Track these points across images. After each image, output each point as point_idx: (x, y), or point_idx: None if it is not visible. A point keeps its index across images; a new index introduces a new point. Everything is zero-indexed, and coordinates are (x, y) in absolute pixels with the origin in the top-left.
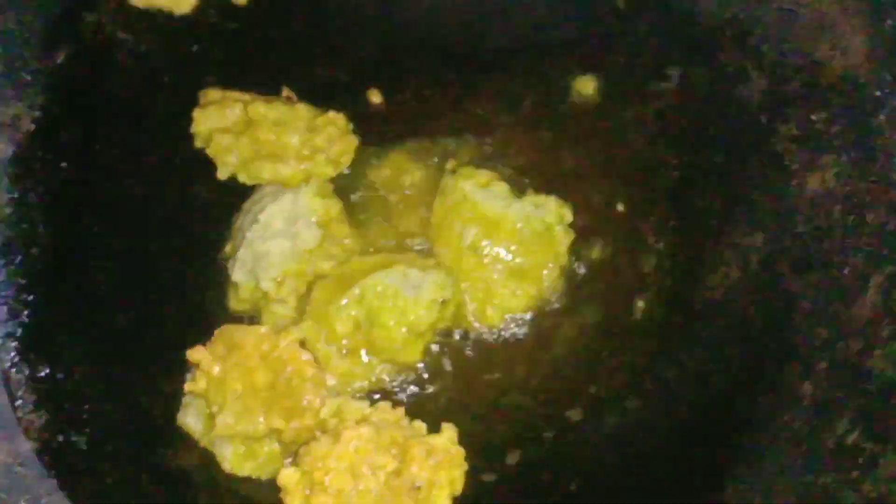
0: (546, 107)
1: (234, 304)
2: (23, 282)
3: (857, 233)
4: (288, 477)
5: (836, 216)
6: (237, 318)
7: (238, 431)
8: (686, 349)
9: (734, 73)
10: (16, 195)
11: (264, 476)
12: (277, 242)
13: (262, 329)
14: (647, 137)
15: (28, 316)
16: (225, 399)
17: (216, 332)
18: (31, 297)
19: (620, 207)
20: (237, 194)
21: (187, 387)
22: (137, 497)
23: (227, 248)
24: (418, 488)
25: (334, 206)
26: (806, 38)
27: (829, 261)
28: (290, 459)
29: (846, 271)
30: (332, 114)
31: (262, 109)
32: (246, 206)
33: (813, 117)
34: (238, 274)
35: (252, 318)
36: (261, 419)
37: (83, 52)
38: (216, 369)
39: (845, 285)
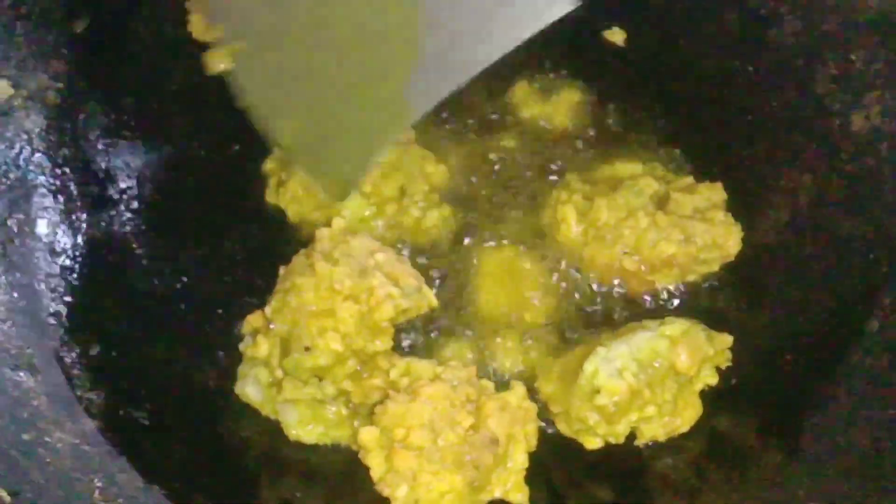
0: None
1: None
2: (63, 261)
3: None
4: (368, 434)
5: (884, 153)
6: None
7: (305, 394)
8: (742, 295)
9: (766, 15)
10: (49, 168)
11: (330, 441)
12: None
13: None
14: (685, 86)
15: (71, 295)
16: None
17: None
18: (72, 276)
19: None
20: None
21: (249, 352)
22: (204, 470)
23: None
24: (496, 443)
25: None
26: None
27: (881, 197)
28: (357, 423)
29: None
30: None
31: None
32: None
33: (851, 56)
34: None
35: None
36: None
37: (102, 20)
38: (282, 328)
39: None
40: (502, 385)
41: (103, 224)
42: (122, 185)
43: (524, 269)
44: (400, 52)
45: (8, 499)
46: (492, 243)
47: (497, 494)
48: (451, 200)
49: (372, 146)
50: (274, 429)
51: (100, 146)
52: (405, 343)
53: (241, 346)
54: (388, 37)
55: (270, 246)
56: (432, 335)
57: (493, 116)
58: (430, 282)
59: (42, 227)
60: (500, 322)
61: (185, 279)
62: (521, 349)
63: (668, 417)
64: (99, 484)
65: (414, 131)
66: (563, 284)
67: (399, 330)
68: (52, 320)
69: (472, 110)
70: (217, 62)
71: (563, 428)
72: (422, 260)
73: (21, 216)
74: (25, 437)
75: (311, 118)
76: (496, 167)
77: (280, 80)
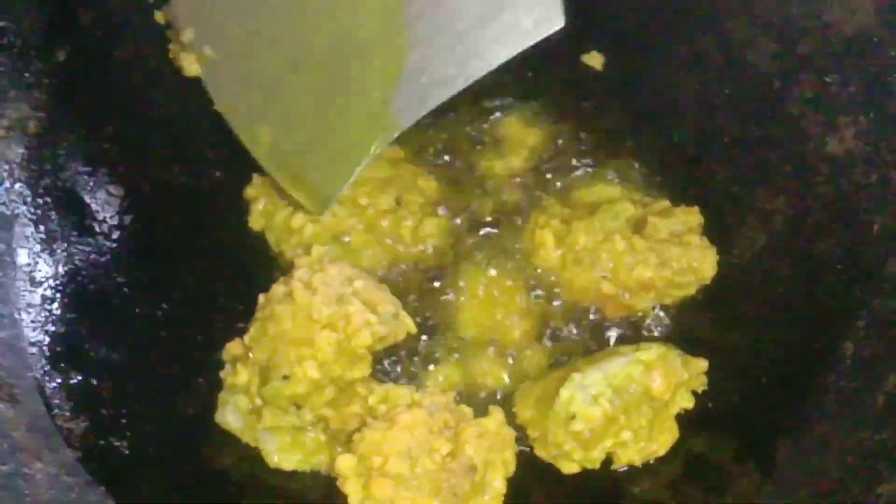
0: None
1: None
2: (44, 291)
3: (883, 191)
4: (345, 462)
5: (858, 176)
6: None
7: (285, 422)
8: (719, 318)
9: (743, 39)
10: (30, 197)
11: (310, 468)
12: None
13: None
14: (662, 110)
15: (52, 325)
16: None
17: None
18: (53, 306)
19: (639, 178)
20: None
21: (229, 379)
22: (184, 499)
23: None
24: (474, 470)
25: None
26: (813, 1)
27: (857, 220)
28: (337, 449)
29: (875, 229)
30: None
31: None
32: None
33: (827, 79)
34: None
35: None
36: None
37: (83, 49)
38: (261, 357)
39: (875, 243)
40: (481, 410)
41: (84, 253)
42: (104, 215)
43: (504, 292)
44: (385, 64)
45: None
46: (472, 267)
47: None
48: None
49: (354, 158)
50: (254, 456)
51: (81, 175)
52: (386, 368)
53: (222, 374)
54: (374, 49)
55: (251, 273)
56: (412, 360)
57: (472, 138)
58: (410, 305)
59: (23, 258)
60: (480, 346)
61: (165, 307)
62: (499, 374)
63: (644, 442)
64: None
65: (402, 151)
66: (542, 309)
67: (380, 354)
68: (32, 350)
69: (451, 135)
70: (191, 65)
71: (541, 453)
72: (400, 280)
73: (1, 246)
74: (4, 468)
75: (289, 127)
76: (476, 191)
77: (255, 87)
